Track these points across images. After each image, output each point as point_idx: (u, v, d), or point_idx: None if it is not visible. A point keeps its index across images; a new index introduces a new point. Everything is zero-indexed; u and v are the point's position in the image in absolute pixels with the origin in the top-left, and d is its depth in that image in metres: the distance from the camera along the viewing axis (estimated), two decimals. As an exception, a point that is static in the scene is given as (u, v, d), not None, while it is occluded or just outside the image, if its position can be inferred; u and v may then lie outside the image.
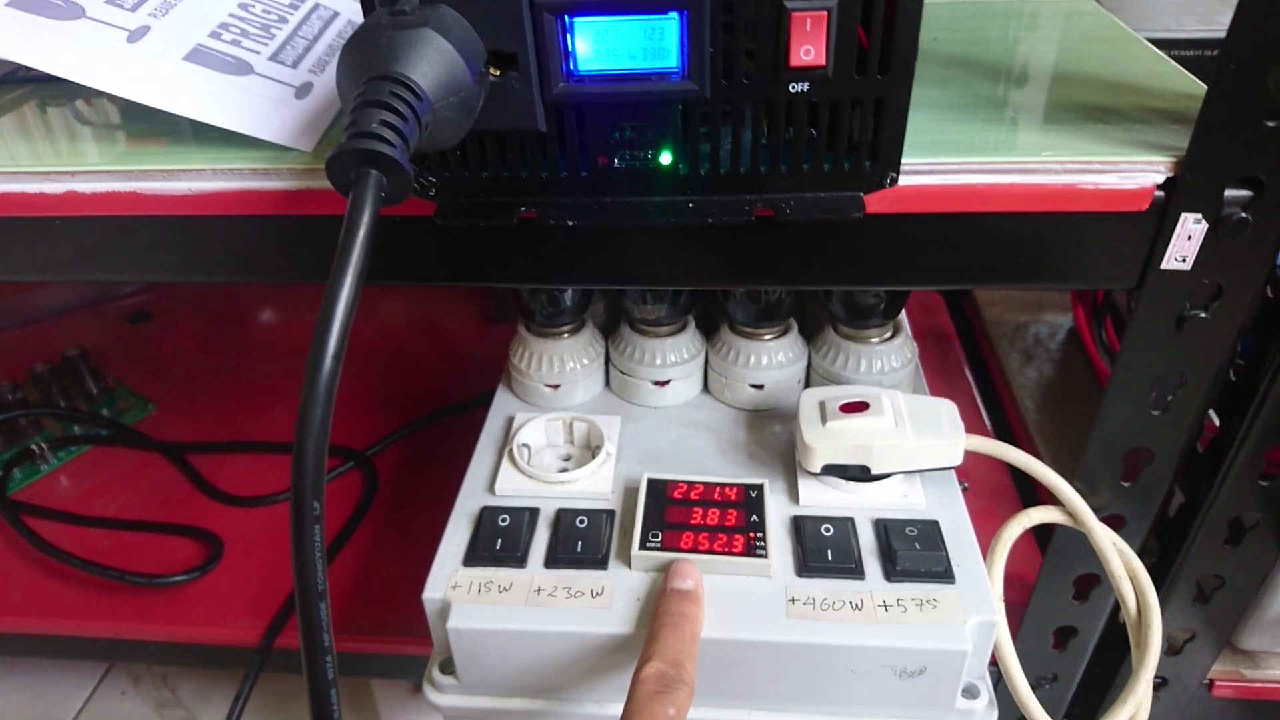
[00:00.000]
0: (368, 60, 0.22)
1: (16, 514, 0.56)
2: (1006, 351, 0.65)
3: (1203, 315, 0.31)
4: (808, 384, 0.44)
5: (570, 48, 0.25)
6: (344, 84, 0.23)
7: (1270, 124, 0.27)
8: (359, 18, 0.40)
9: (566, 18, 0.24)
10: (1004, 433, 0.61)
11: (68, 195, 0.33)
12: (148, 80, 0.32)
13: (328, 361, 0.19)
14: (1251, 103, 0.27)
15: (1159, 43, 0.55)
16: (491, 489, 0.39)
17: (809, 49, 0.24)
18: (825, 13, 0.23)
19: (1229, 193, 0.29)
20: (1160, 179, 0.29)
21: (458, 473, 0.41)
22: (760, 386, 0.42)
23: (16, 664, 0.67)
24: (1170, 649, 0.44)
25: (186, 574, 0.52)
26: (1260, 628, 0.44)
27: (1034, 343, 0.66)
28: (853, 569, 0.34)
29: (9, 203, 0.33)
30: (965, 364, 0.67)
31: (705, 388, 0.45)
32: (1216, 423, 0.38)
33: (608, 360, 0.45)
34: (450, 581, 0.34)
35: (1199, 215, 0.29)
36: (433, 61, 0.22)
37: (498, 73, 0.25)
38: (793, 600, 0.33)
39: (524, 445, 0.40)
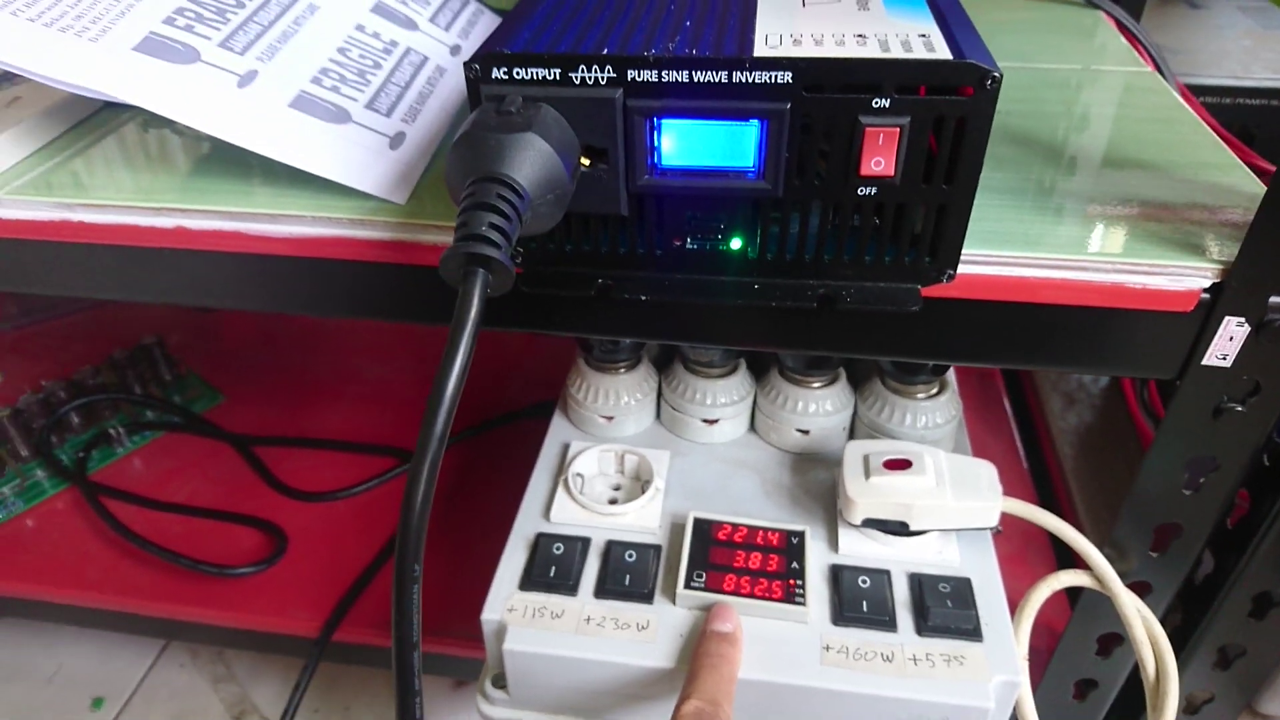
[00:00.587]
0: (476, 160, 0.24)
1: (95, 494, 0.60)
2: (1049, 394, 0.67)
3: (1239, 409, 0.33)
4: (852, 432, 0.46)
5: (656, 144, 0.27)
6: (453, 178, 0.25)
7: (1319, 237, 0.28)
8: (446, 62, 0.43)
9: (656, 119, 0.26)
10: (1041, 475, 0.62)
11: (177, 230, 0.35)
12: (257, 128, 0.34)
13: (434, 442, 0.21)
14: (1302, 216, 0.28)
15: (1226, 90, 0.55)
16: (547, 515, 0.41)
17: (880, 160, 0.26)
18: (897, 129, 0.25)
19: (1273, 299, 0.30)
20: (1207, 284, 0.30)
21: (506, 480, 0.43)
22: (806, 431, 0.44)
23: (84, 631, 0.72)
24: (1189, 707, 0.45)
25: (253, 565, 0.55)
26: (1280, 694, 0.45)
27: (1076, 387, 0.67)
28: (886, 621, 0.36)
29: (123, 233, 0.36)
30: (1008, 409, 0.67)
31: (752, 427, 0.47)
32: (1250, 501, 0.39)
33: (660, 395, 0.47)
34: (507, 604, 0.37)
35: (1242, 319, 0.30)
36: (534, 163, 0.24)
37: (589, 163, 0.27)
38: (827, 648, 0.35)
39: (579, 475, 0.43)
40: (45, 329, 0.80)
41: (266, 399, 0.71)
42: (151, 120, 0.43)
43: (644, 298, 0.30)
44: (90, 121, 0.43)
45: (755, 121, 0.26)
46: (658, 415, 0.48)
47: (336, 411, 0.69)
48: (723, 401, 0.45)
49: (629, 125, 0.26)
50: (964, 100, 0.25)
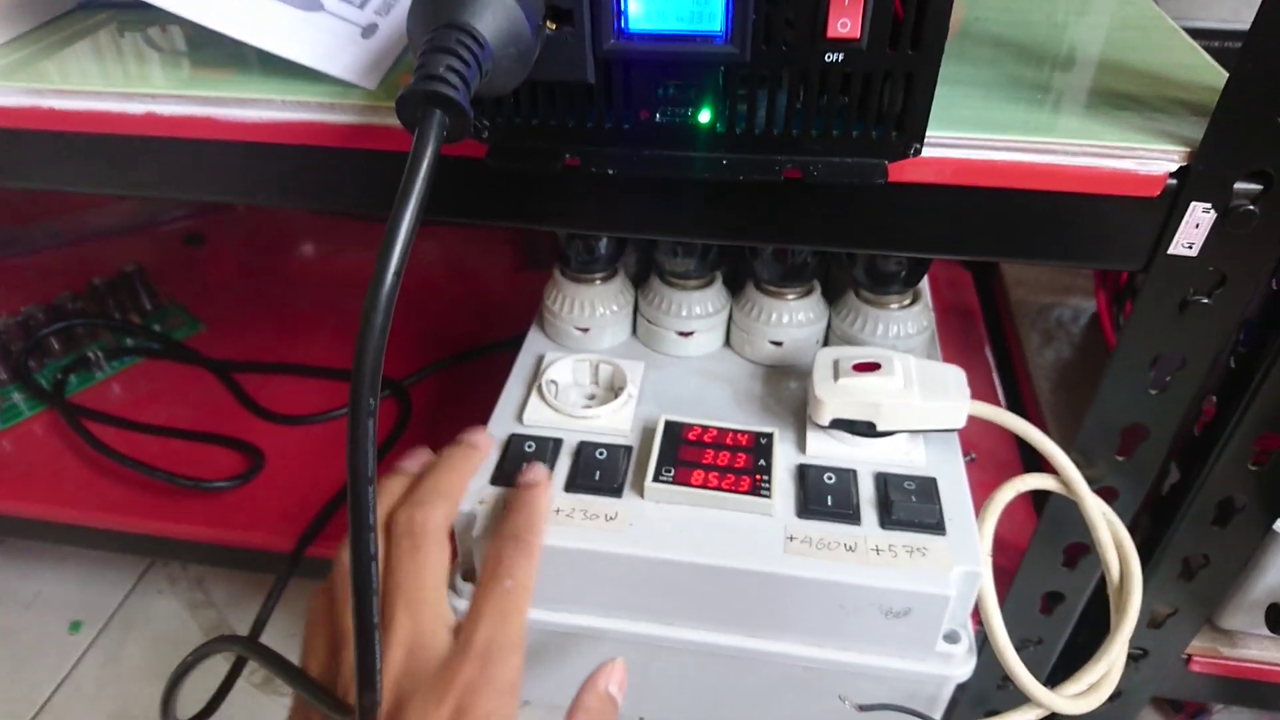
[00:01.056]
0: (438, 8, 0.24)
1: (75, 415, 0.60)
2: (1027, 331, 0.67)
3: (1205, 301, 0.33)
4: (826, 345, 0.46)
5: (623, 7, 0.26)
6: (414, 29, 0.25)
7: (1284, 121, 0.28)
8: (423, -37, 0.42)
9: (621, -22, 0.26)
10: (1018, 410, 0.62)
11: (147, 116, 0.35)
12: (227, 10, 0.34)
13: (389, 276, 0.21)
14: (1267, 99, 0.28)
15: (1216, 34, 0.56)
16: (520, 418, 0.41)
17: (845, 21, 0.26)
18: (862, -12, 0.25)
19: (1239, 185, 0.30)
20: (1173, 167, 0.30)
21: (487, 406, 0.43)
22: (780, 344, 0.44)
23: (66, 558, 0.72)
24: (1152, 622, 0.46)
25: (230, 481, 0.55)
26: (1240, 609, 0.46)
27: (1056, 325, 0.68)
28: (850, 515, 0.36)
29: (93, 120, 0.36)
30: (987, 342, 0.68)
31: (727, 342, 0.47)
32: (1216, 407, 0.40)
33: (636, 309, 0.47)
34: (478, 497, 0.37)
35: (1208, 205, 0.30)
36: (496, 13, 0.24)
37: (554, 26, 0.27)
38: (791, 538, 0.35)
39: (552, 381, 0.43)
40: (25, 263, 0.79)
41: (247, 328, 0.71)
42: (126, 24, 0.43)
43: (611, 171, 0.30)
44: (61, 21, 0.43)
45: (722, -19, 0.26)
46: (634, 331, 0.48)
47: (317, 341, 0.69)
48: (698, 313, 0.45)
49: (594, -17, 0.26)
50: (930, -42, 0.25)
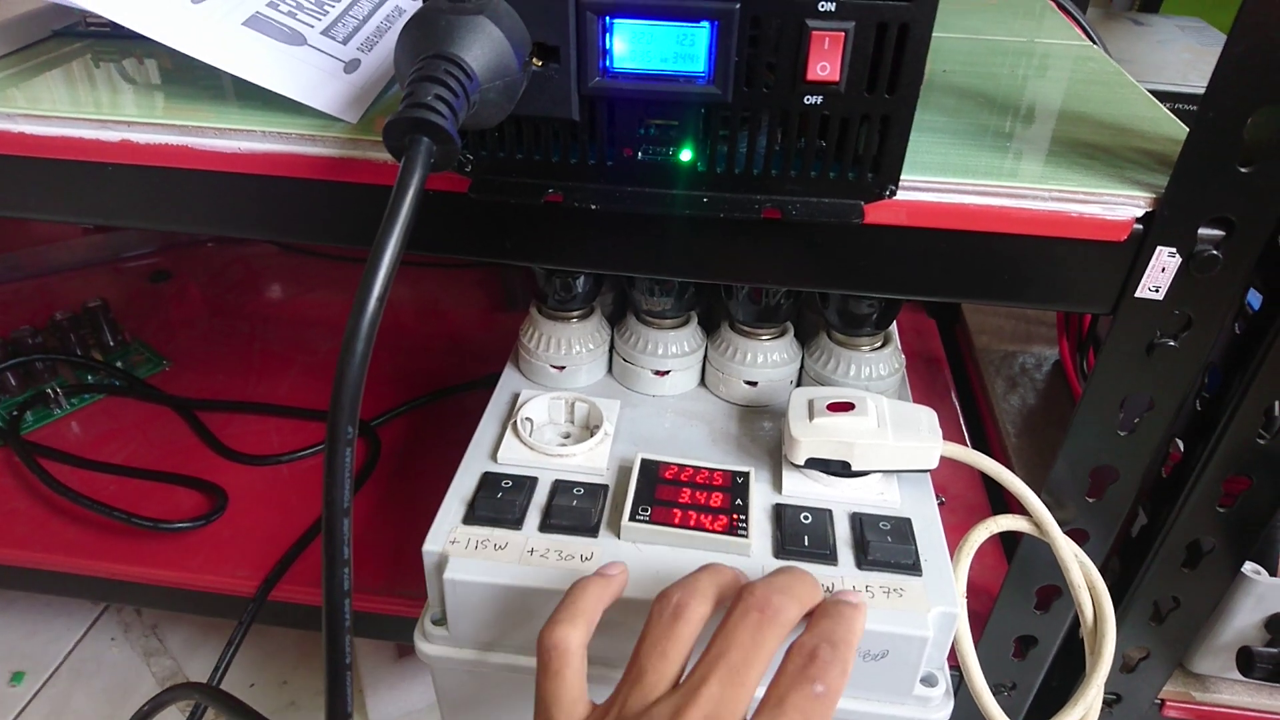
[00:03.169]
0: (426, 39, 0.24)
1: (30, 453, 0.58)
2: (992, 378, 0.68)
3: (1172, 344, 0.34)
4: (799, 385, 0.46)
5: (608, 46, 0.27)
6: (402, 59, 0.25)
7: (1243, 170, 0.30)
8: (407, 4, 0.43)
9: (607, 18, 0.26)
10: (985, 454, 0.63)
11: (123, 144, 0.35)
12: (210, 40, 0.34)
13: (372, 302, 0.21)
14: (1227, 149, 0.29)
15: (1166, 95, 0.59)
16: (494, 456, 0.41)
17: (825, 65, 0.26)
18: (842, 34, 0.26)
19: (1202, 231, 0.31)
20: (1139, 213, 0.31)
21: (458, 447, 0.42)
22: (754, 384, 0.45)
23: (12, 603, 0.69)
24: (1125, 666, 0.46)
25: (191, 522, 0.54)
26: (1212, 652, 0.46)
27: (1019, 372, 0.69)
28: (827, 555, 0.36)
29: (67, 146, 0.35)
30: (953, 388, 0.69)
31: (702, 382, 0.47)
32: (1182, 450, 0.40)
33: (612, 348, 0.47)
34: (450, 537, 0.36)
35: (1173, 249, 0.31)
36: (484, 46, 0.25)
37: (540, 63, 0.27)
38: (769, 579, 0.35)
39: (527, 419, 0.43)
40: (-15, 295, 0.78)
41: (214, 367, 0.70)
42: (102, 53, 0.43)
43: (594, 207, 0.30)
44: (35, 48, 0.42)
45: (706, 23, 0.26)
46: (609, 369, 0.48)
47: (285, 380, 0.68)
48: (674, 352, 0.45)
49: (581, 22, 0.26)
50: (906, 6, 0.26)
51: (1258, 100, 0.28)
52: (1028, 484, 0.39)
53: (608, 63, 0.27)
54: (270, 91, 0.34)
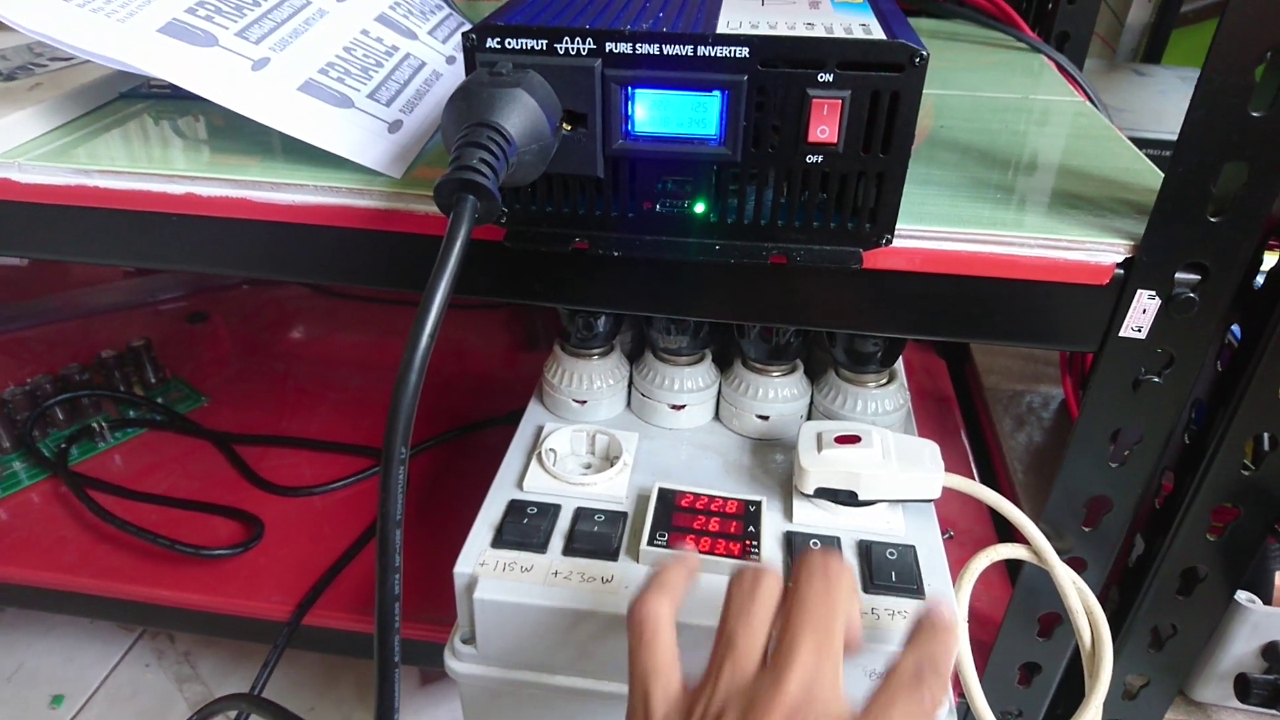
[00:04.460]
0: (471, 109, 0.27)
1: (79, 483, 0.61)
2: (1000, 417, 0.70)
3: (1157, 380, 0.36)
4: (809, 419, 0.48)
5: (630, 113, 0.30)
6: (449, 126, 0.28)
7: (1213, 219, 0.32)
8: (442, 69, 0.47)
9: (630, 88, 0.30)
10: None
11: (188, 196, 0.38)
12: (268, 105, 0.38)
13: (424, 339, 0.24)
14: (1197, 201, 0.32)
15: (1166, 144, 0.62)
16: (520, 485, 0.43)
17: (824, 128, 0.29)
18: (840, 101, 0.29)
19: (1179, 275, 0.33)
20: (1120, 258, 0.34)
21: (480, 480, 0.45)
22: (766, 418, 0.47)
23: (51, 629, 0.72)
24: (1126, 694, 0.48)
25: (230, 549, 0.56)
26: (1211, 680, 0.47)
27: (1027, 411, 0.71)
28: (835, 579, 0.38)
29: (137, 199, 0.39)
30: (962, 427, 0.71)
31: (716, 416, 0.49)
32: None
33: (631, 384, 0.50)
34: (479, 559, 0.39)
35: (1153, 292, 0.34)
36: (521, 115, 0.28)
37: (570, 128, 0.30)
38: (779, 601, 0.37)
39: (551, 450, 0.45)
40: (35, 335, 0.81)
41: (249, 403, 0.73)
42: (161, 112, 0.46)
43: (617, 253, 0.33)
44: (104, 109, 0.46)
45: (717, 92, 0.29)
46: (628, 404, 0.50)
47: (317, 415, 0.71)
48: (690, 388, 0.47)
49: (606, 92, 0.30)
50: (897, 76, 0.29)
51: (1221, 157, 0.31)
52: (1030, 516, 0.41)
53: (630, 127, 0.30)
54: (315, 147, 0.37)
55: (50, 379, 0.69)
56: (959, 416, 0.72)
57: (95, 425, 0.67)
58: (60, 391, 0.69)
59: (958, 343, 0.77)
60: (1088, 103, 0.51)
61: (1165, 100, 0.83)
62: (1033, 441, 0.68)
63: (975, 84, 0.53)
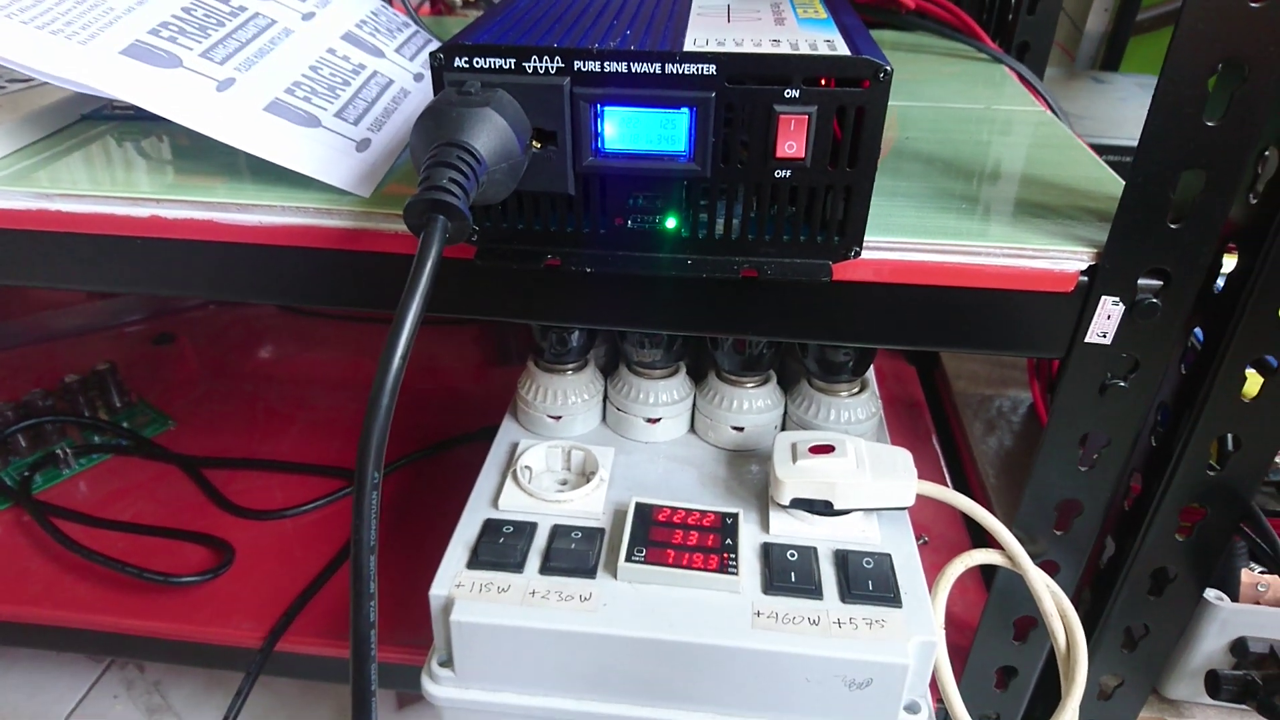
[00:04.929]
0: (439, 128, 0.27)
1: (43, 512, 0.60)
2: (970, 421, 0.71)
3: (1123, 384, 0.37)
4: (783, 430, 0.49)
5: (600, 130, 0.30)
6: (418, 146, 0.28)
7: (1174, 226, 0.33)
8: (410, 86, 0.47)
9: (599, 105, 0.30)
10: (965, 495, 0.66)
11: (152, 219, 0.38)
12: (234, 125, 0.37)
13: (396, 360, 0.24)
14: (1157, 208, 0.33)
15: (1125, 149, 0.63)
16: (495, 504, 0.43)
17: (792, 144, 0.30)
18: (806, 116, 0.29)
19: (1142, 281, 0.34)
20: (1084, 266, 0.34)
21: (454, 498, 0.44)
22: (741, 429, 0.47)
23: (16, 662, 0.70)
24: (1101, 694, 0.48)
25: (200, 575, 0.55)
26: (1183, 677, 0.48)
27: (997, 415, 0.72)
28: (813, 590, 0.38)
29: (99, 222, 0.38)
30: (933, 432, 0.72)
31: (692, 428, 0.50)
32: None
33: (605, 398, 0.50)
34: (455, 581, 0.39)
35: (1116, 298, 0.35)
36: (490, 134, 0.28)
37: (539, 145, 0.30)
38: (758, 614, 0.37)
39: (526, 467, 0.45)
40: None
41: (216, 425, 0.72)
42: (125, 134, 0.46)
43: (589, 270, 0.33)
44: (65, 131, 0.45)
45: (685, 109, 0.30)
46: (603, 418, 0.50)
47: (286, 437, 0.70)
48: (664, 400, 0.47)
49: (575, 110, 0.30)
50: (861, 91, 0.29)
51: (1179, 165, 0.31)
52: (1002, 520, 0.41)
53: (599, 144, 0.31)
54: (282, 167, 0.37)
55: (12, 405, 0.68)
56: (930, 422, 0.73)
57: (59, 451, 0.66)
58: (23, 418, 0.67)
59: (917, 350, 0.77)
60: (1049, 112, 0.52)
61: (1124, 107, 0.85)
62: (1003, 445, 0.68)
63: (938, 95, 0.54)
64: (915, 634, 0.37)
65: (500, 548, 0.40)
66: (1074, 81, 0.96)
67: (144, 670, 0.70)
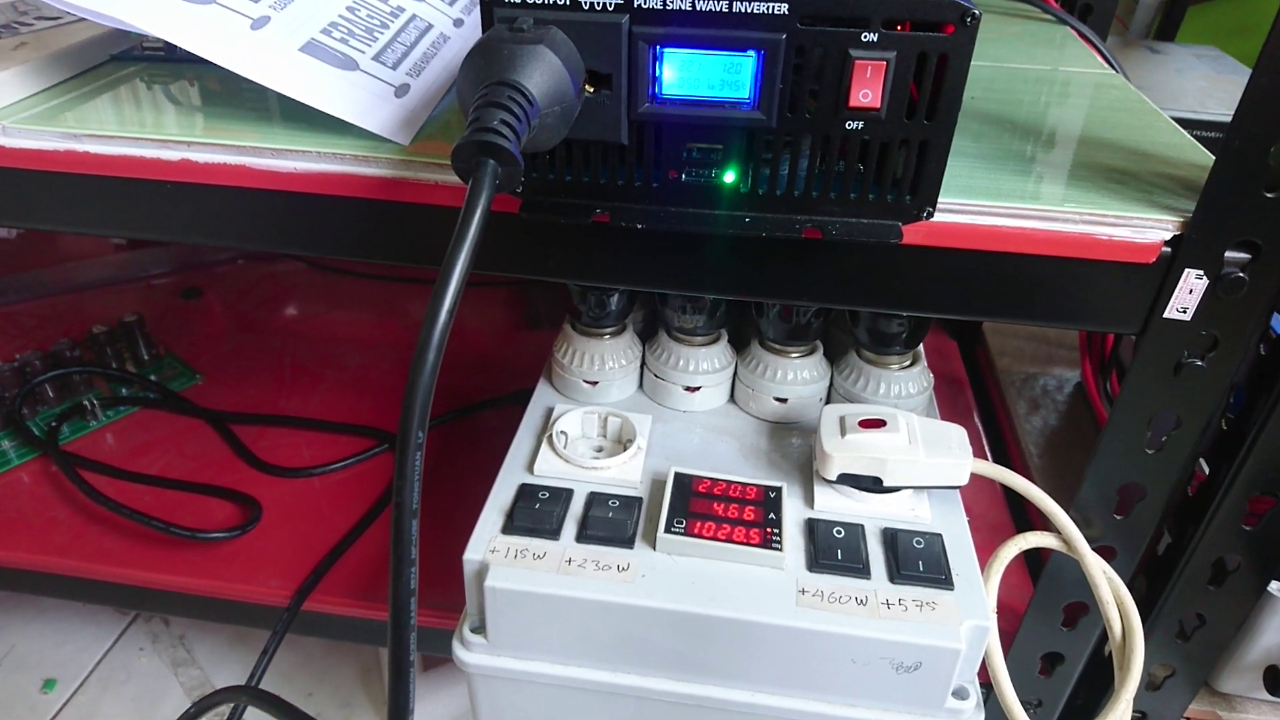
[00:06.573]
0: (490, 67, 0.25)
1: (70, 463, 0.59)
2: (1014, 400, 0.69)
3: (1199, 364, 0.34)
4: (828, 402, 0.47)
5: (658, 74, 0.28)
6: (465, 86, 0.26)
7: (1269, 195, 0.30)
8: (450, 31, 0.45)
9: (658, 47, 0.28)
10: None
11: (183, 163, 0.36)
12: (268, 65, 0.35)
13: (443, 314, 0.22)
14: (1253, 175, 0.30)
15: (1184, 122, 0.60)
16: (530, 469, 0.42)
17: (867, 93, 0.27)
18: (884, 63, 0.27)
19: (1229, 254, 0.32)
20: (1168, 236, 0.32)
21: (485, 462, 0.43)
22: (784, 400, 0.45)
23: (43, 612, 0.70)
24: (1151, 684, 0.47)
25: (227, 532, 0.55)
26: (1238, 671, 0.46)
27: (1041, 393, 0.70)
28: (860, 569, 0.37)
29: (130, 165, 0.37)
30: (975, 409, 0.70)
31: (732, 398, 0.48)
32: (1207, 470, 0.41)
33: (643, 365, 0.48)
34: (489, 546, 0.37)
35: (1201, 272, 0.32)
36: (544, 74, 0.26)
37: (593, 89, 0.28)
38: (803, 591, 0.36)
39: (562, 432, 0.43)
40: (24, 309, 0.79)
41: (245, 381, 0.71)
42: (154, 75, 0.44)
43: (639, 226, 0.31)
44: (94, 72, 0.44)
45: (752, 52, 0.27)
46: (640, 385, 0.49)
47: (316, 395, 0.69)
48: (705, 369, 0.46)
49: (633, 51, 0.28)
50: (945, 37, 0.27)
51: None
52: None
53: (657, 89, 0.28)
54: (316, 113, 0.35)
55: (40, 355, 0.67)
56: (971, 398, 0.71)
57: (86, 403, 0.65)
58: (50, 368, 0.66)
59: (971, 323, 0.75)
60: (1117, 74, 0.49)
61: (1182, 78, 0.81)
62: (1048, 424, 0.66)
63: (1001, 55, 0.51)
64: (968, 617, 0.35)
65: (536, 513, 0.39)
66: (1128, 50, 0.92)
67: (169, 625, 0.70)
